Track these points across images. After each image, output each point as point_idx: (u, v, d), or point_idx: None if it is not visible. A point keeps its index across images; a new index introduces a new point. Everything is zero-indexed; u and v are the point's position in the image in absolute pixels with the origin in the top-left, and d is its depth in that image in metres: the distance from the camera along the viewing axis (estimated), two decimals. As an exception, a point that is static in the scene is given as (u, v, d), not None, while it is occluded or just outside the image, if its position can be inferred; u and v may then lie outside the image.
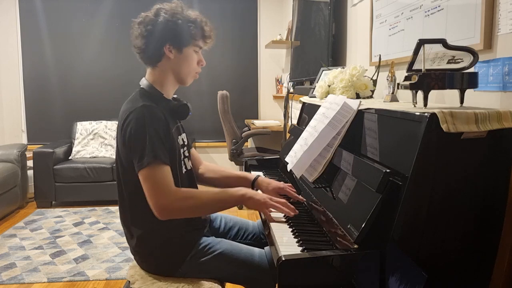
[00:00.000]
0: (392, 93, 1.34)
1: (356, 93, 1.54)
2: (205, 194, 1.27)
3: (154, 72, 1.37)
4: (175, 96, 1.47)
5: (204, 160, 1.66)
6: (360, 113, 1.22)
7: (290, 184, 1.49)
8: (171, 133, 1.29)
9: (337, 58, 2.47)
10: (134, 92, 1.37)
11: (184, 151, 1.41)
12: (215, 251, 1.32)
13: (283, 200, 1.30)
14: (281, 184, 1.49)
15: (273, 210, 1.29)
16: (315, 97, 1.79)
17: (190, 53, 1.36)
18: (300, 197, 1.41)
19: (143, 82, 1.38)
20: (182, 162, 1.38)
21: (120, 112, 1.31)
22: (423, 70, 1.04)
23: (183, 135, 1.45)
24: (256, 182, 1.53)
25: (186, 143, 1.45)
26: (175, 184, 1.24)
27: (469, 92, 1.09)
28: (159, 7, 1.34)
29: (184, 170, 1.39)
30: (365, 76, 1.59)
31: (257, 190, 1.51)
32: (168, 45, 1.32)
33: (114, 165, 3.90)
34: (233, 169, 1.70)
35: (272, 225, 1.23)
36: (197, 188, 1.46)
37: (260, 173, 1.87)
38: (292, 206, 1.28)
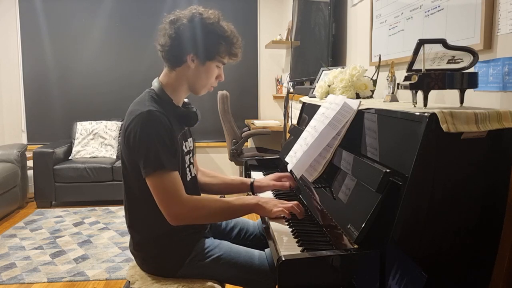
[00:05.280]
0: (392, 93, 1.34)
1: (356, 93, 1.54)
2: (218, 203, 1.24)
3: (170, 75, 1.34)
4: (186, 100, 1.44)
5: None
6: (360, 113, 1.22)
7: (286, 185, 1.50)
8: (176, 140, 1.27)
9: (337, 58, 2.47)
10: (144, 92, 1.33)
11: (189, 158, 1.39)
12: (214, 254, 1.31)
13: (290, 205, 1.25)
14: (271, 183, 1.54)
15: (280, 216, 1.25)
16: (315, 97, 1.78)
17: (211, 67, 1.33)
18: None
19: (155, 84, 1.34)
20: (187, 169, 1.36)
21: (127, 111, 1.28)
22: (423, 70, 1.04)
23: (189, 141, 1.42)
24: (253, 187, 1.57)
25: (191, 149, 1.42)
26: None
27: (469, 92, 1.09)
28: (195, 12, 1.29)
29: (189, 177, 1.37)
30: (365, 76, 1.58)
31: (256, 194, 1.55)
32: (192, 55, 1.29)
33: (114, 165, 3.92)
34: (230, 175, 1.70)
35: (272, 225, 1.23)
36: (199, 195, 1.44)
37: (260, 173, 1.87)
38: (299, 210, 1.23)
